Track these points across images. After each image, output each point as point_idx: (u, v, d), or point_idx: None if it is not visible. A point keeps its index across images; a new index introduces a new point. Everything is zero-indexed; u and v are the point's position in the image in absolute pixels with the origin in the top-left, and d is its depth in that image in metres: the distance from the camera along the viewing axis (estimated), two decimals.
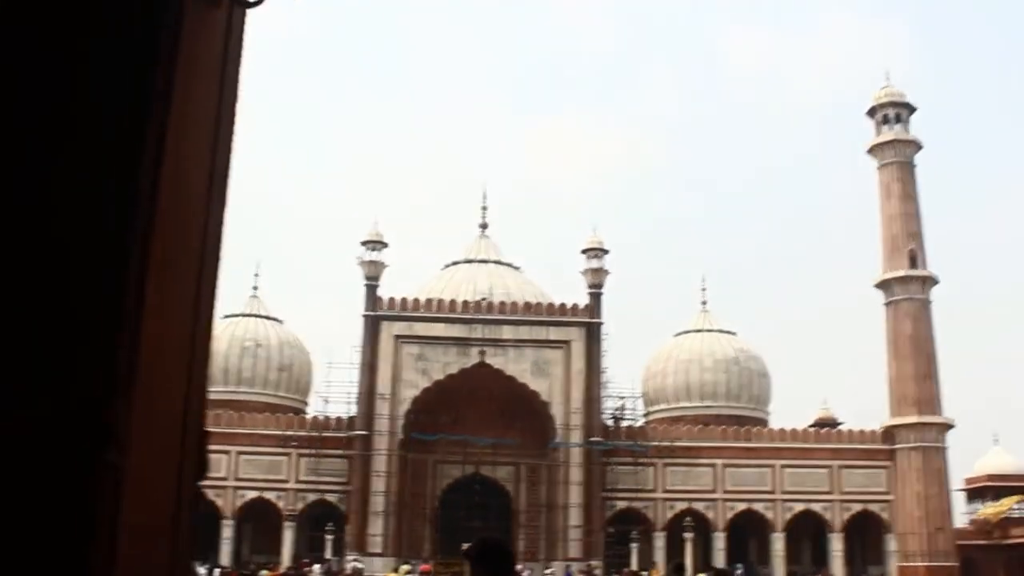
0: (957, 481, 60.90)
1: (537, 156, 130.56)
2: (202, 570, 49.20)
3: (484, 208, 67.71)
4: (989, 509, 63.58)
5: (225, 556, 53.84)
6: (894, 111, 60.09)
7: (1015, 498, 63.38)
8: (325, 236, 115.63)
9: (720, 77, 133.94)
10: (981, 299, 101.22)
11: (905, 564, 54.84)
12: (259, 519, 55.05)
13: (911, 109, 60.46)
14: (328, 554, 50.75)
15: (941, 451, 56.08)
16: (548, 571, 52.06)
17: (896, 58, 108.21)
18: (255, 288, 66.19)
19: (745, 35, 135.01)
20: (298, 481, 55.18)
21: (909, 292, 57.28)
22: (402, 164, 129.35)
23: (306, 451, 55.04)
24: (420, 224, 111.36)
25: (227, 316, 64.09)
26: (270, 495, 54.71)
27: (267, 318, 64.51)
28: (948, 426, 56.20)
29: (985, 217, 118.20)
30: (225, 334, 62.26)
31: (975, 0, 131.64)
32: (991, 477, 66.06)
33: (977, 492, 67.12)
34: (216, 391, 60.65)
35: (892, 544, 55.91)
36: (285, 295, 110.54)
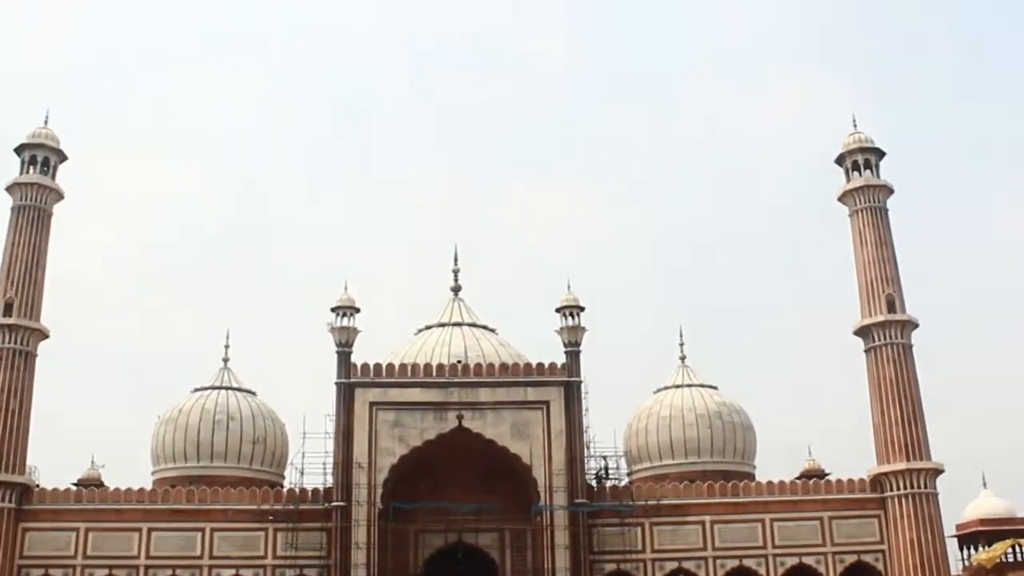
0: (948, 527, 59.77)
1: (507, 216, 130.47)
2: None
3: (456, 271, 67.05)
4: (983, 555, 62.49)
5: None
6: (863, 157, 60.14)
7: (1008, 542, 62.40)
8: (296, 303, 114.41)
9: (684, 134, 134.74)
10: (964, 339, 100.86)
11: None
12: None
13: (880, 154, 60.54)
14: None
15: (932, 497, 55.21)
16: None
17: (859, 106, 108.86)
18: (225, 360, 65.01)
19: (706, 94, 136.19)
20: (276, 556, 53.48)
21: (889, 337, 56.87)
22: (372, 229, 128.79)
23: (283, 525, 53.53)
24: (392, 289, 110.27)
25: (197, 389, 63.01)
26: (247, 572, 53.03)
27: (239, 390, 63.23)
28: (938, 471, 55.39)
29: (964, 256, 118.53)
30: (196, 407, 61.10)
31: (928, 45, 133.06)
32: (983, 522, 65.04)
33: (969, 538, 66.06)
34: (188, 467, 59.64)
35: None
36: (257, 365, 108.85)
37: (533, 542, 55.07)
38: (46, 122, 59.91)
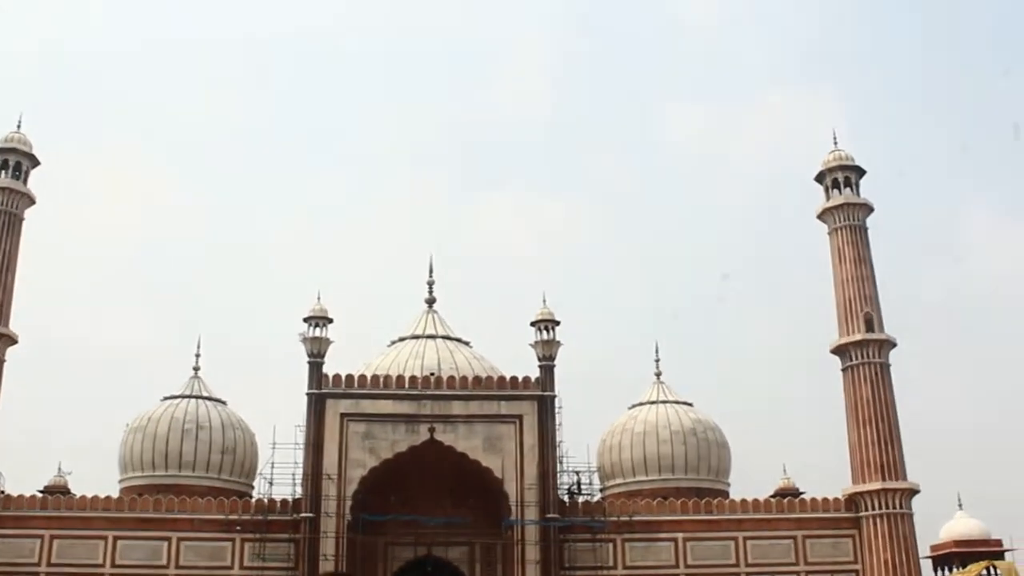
0: (923, 548, 59.45)
1: (483, 229, 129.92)
2: None
3: (431, 283, 66.51)
4: None
5: None
6: (843, 175, 59.90)
7: (983, 564, 61.88)
8: (268, 313, 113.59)
9: (663, 149, 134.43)
10: (942, 359, 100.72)
11: None
12: None
13: (860, 172, 60.29)
14: None
15: (907, 517, 55.02)
16: None
17: (839, 125, 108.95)
18: (196, 369, 64.37)
19: (685, 110, 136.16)
20: (243, 567, 52.89)
21: (866, 356, 56.58)
22: (346, 239, 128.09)
23: (251, 535, 52.95)
24: (365, 301, 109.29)
25: (167, 398, 62.38)
26: None
27: (209, 399, 62.60)
28: (913, 491, 55.18)
29: (943, 275, 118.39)
30: (165, 416, 60.46)
31: (908, 63, 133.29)
32: (957, 543, 64.44)
33: (944, 559, 65.46)
34: (156, 475, 59.00)
35: None
36: (228, 374, 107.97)
37: (504, 556, 54.59)
38: (19, 126, 59.13)
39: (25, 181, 58.03)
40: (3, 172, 57.43)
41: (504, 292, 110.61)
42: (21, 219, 57.47)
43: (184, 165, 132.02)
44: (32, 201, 58.12)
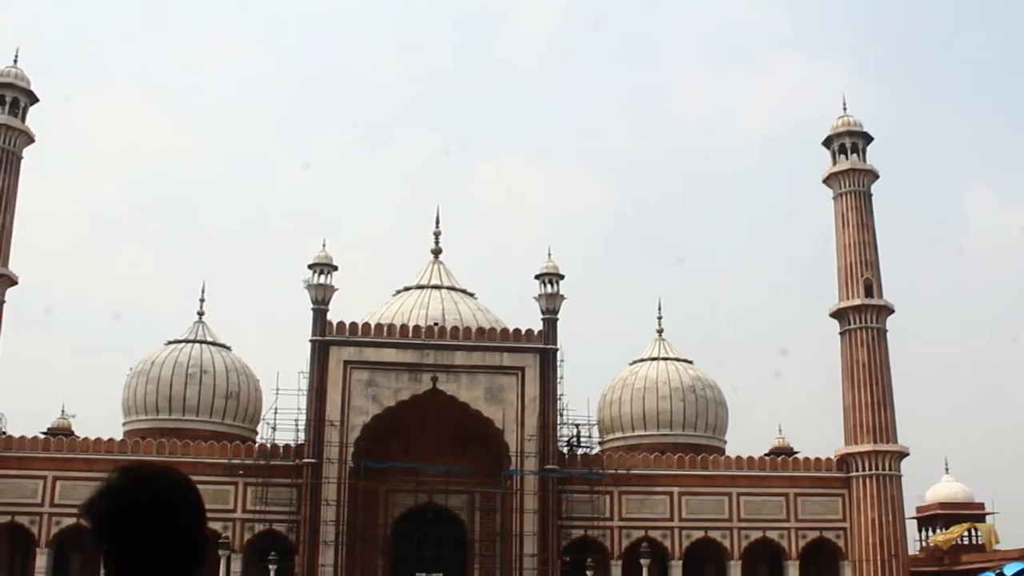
0: (909, 509, 60.79)
1: (491, 182, 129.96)
2: None
3: (437, 234, 66.53)
4: (940, 537, 63.71)
5: None
6: (850, 140, 60.13)
7: (965, 526, 63.56)
8: (275, 258, 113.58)
9: (669, 110, 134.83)
10: (937, 326, 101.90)
11: None
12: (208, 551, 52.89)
13: (868, 138, 60.57)
14: None
15: (896, 479, 56.09)
16: None
17: (849, 91, 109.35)
18: (200, 314, 64.38)
19: (692, 74, 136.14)
20: (245, 511, 53.56)
21: (864, 321, 57.28)
22: (354, 188, 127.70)
23: (253, 480, 53.51)
24: (371, 249, 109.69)
25: (171, 342, 62.37)
26: (216, 525, 52.82)
27: (213, 344, 62.69)
28: (903, 454, 56.20)
29: (943, 243, 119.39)
30: (169, 360, 60.52)
31: (920, 32, 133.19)
32: (942, 505, 66.16)
33: (928, 520, 67.20)
34: (160, 419, 59.21)
35: (847, 571, 55.68)
36: (232, 319, 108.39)
37: (502, 505, 55.34)
38: (15, 61, 57.91)
39: (23, 118, 57.01)
40: (0, 108, 56.62)
41: (509, 246, 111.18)
42: (19, 157, 56.55)
43: (189, 109, 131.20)
44: (31, 139, 57.13)
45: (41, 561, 52.59)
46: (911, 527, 62.91)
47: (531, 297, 56.88)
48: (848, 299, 57.76)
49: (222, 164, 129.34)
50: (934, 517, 66.57)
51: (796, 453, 61.70)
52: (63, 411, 62.33)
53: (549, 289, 56.52)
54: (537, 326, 56.20)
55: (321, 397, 53.64)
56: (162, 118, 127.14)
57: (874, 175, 59.99)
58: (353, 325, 55.23)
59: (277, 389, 54.38)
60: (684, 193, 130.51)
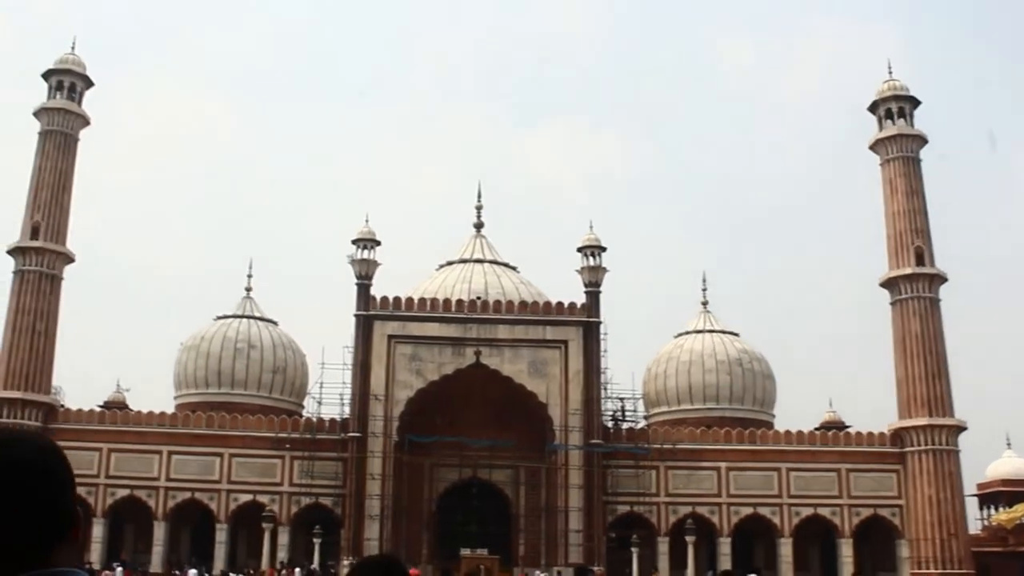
0: (969, 486, 59.07)
1: (532, 155, 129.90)
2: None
3: (479, 207, 66.79)
4: (1003, 515, 61.78)
5: (220, 561, 52.97)
6: (897, 105, 58.73)
7: None
8: (320, 234, 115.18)
9: (713, 79, 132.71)
10: (994, 296, 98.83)
11: (918, 571, 53.24)
12: (254, 523, 53.76)
13: (915, 103, 59.13)
14: (315, 559, 49.28)
15: (953, 454, 54.51)
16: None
17: (895, 56, 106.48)
18: (248, 289, 65.43)
19: (736, 41, 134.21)
20: (292, 484, 54.28)
21: (916, 290, 55.85)
22: (396, 163, 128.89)
23: (300, 453, 54.18)
24: (414, 224, 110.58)
25: (219, 317, 63.52)
26: (263, 498, 53.73)
27: (260, 319, 63.75)
28: (960, 428, 54.64)
29: (997, 211, 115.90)
30: (218, 335, 61.66)
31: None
32: (1004, 482, 64.26)
33: (989, 497, 65.32)
34: (208, 393, 60.34)
35: (904, 550, 54.28)
36: (279, 295, 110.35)
37: (547, 480, 55.24)
38: (73, 48, 59.94)
39: (80, 102, 58.96)
40: (58, 93, 58.36)
41: (552, 219, 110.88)
42: (76, 139, 58.47)
43: (238, 86, 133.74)
44: (87, 122, 59.04)
45: (97, 531, 53.89)
46: (971, 505, 61.33)
47: (574, 270, 56.75)
48: (898, 268, 56.37)
49: (268, 142, 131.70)
50: (996, 494, 64.71)
51: (848, 427, 60.51)
52: (118, 385, 64.09)
53: (592, 262, 56.22)
54: (580, 299, 55.93)
55: (366, 371, 54.07)
56: (212, 98, 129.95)
57: (922, 140, 58.49)
58: (397, 300, 55.59)
59: (323, 363, 55.18)
60: (728, 162, 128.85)
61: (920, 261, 56.14)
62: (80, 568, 2.26)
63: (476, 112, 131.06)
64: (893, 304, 56.77)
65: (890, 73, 60.08)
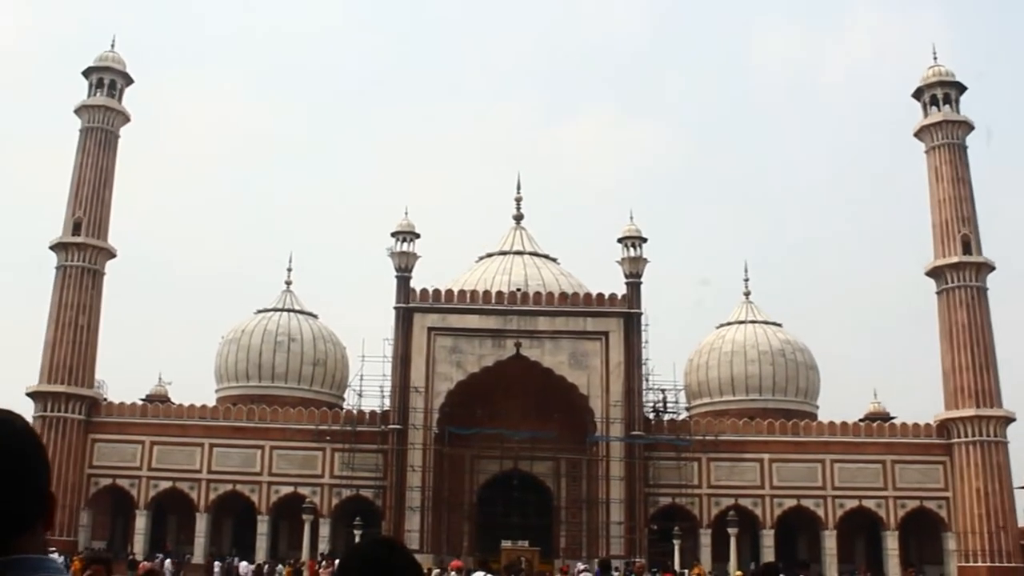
0: (1018, 478, 58.02)
1: (572, 146, 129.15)
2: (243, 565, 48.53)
3: (518, 199, 66.41)
4: None
5: (261, 553, 53.18)
6: (942, 91, 57.80)
7: None
8: (358, 228, 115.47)
9: (753, 68, 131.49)
10: None
11: (965, 564, 52.47)
12: (295, 515, 53.87)
13: (961, 88, 58.13)
14: None
15: (1002, 446, 53.64)
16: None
17: (940, 41, 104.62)
18: (288, 283, 65.58)
19: (776, 28, 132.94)
20: (333, 476, 54.38)
21: (963, 279, 54.97)
22: (434, 156, 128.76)
23: (340, 446, 54.20)
24: (453, 216, 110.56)
25: (260, 311, 63.71)
26: (304, 490, 53.84)
27: (300, 312, 63.88)
28: (1008, 419, 53.72)
29: None
30: (258, 328, 61.86)
31: None
32: None
33: None
34: (249, 386, 60.56)
35: (951, 543, 53.54)
36: (319, 288, 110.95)
37: (588, 472, 54.96)
38: (112, 46, 60.30)
39: (120, 99, 59.31)
40: (98, 91, 58.76)
41: (592, 210, 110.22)
42: (117, 136, 58.88)
43: (276, 81, 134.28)
44: (127, 119, 59.42)
45: (140, 522, 54.39)
46: (1020, 497, 60.14)
47: (614, 261, 56.30)
48: (945, 257, 55.48)
49: (307, 136, 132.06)
50: None
51: (893, 418, 59.78)
52: (160, 379, 64.50)
53: (632, 252, 55.75)
54: (621, 290, 55.49)
55: (406, 364, 53.98)
56: (250, 93, 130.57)
57: (968, 126, 57.47)
58: (436, 292, 55.47)
59: (363, 356, 55.20)
60: (769, 151, 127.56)
61: (967, 249, 55.20)
62: (47, 555, 2.07)
63: (515, 103, 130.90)
64: (939, 293, 55.90)
65: (935, 59, 59.23)
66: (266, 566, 49.42)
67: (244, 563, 48.77)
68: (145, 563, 45.14)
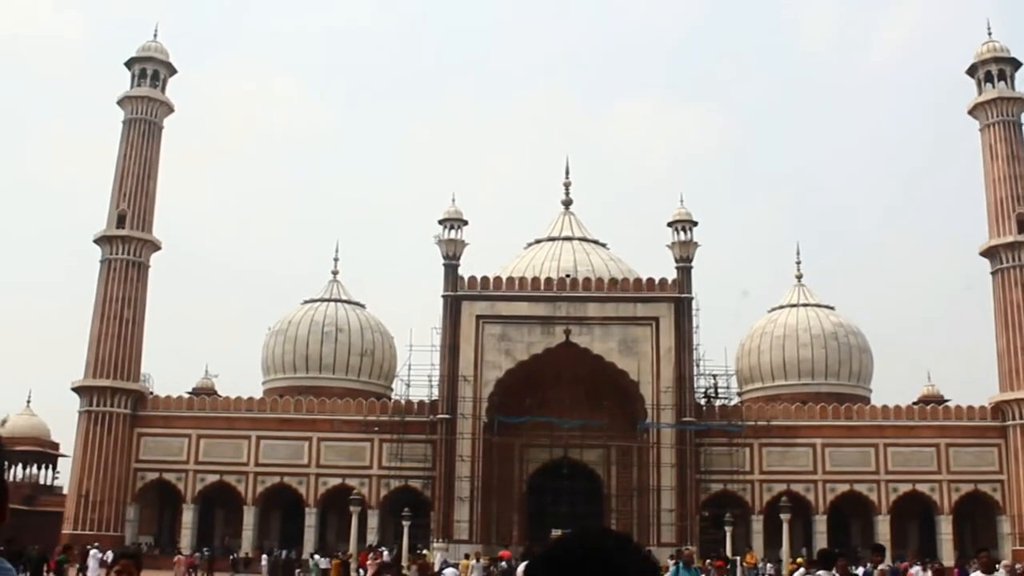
0: None
1: (620, 131, 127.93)
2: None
3: (567, 184, 65.54)
4: None
5: (309, 544, 52.87)
6: (997, 67, 56.82)
7: None
8: (405, 216, 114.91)
9: (800, 49, 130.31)
10: None
11: (1021, 548, 51.68)
12: (344, 506, 53.44)
13: (1016, 64, 57.16)
14: (405, 541, 48.63)
15: None
16: None
17: (994, 15, 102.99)
18: (335, 273, 65.09)
19: (822, 7, 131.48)
20: (381, 467, 54.00)
21: (1018, 259, 54.18)
22: (482, 142, 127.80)
23: (388, 436, 53.77)
24: (501, 203, 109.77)
25: (307, 301, 63.30)
26: (352, 481, 53.48)
27: (348, 302, 63.41)
28: None
29: None
30: (305, 319, 61.46)
31: None
32: None
33: None
34: (296, 377, 60.25)
35: (1005, 527, 52.79)
36: (366, 277, 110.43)
37: (639, 460, 54.39)
38: (155, 36, 59.67)
39: (163, 90, 58.79)
40: (141, 81, 58.23)
41: (641, 195, 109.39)
42: (160, 127, 58.36)
43: (320, 70, 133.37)
44: (171, 109, 58.92)
45: (187, 516, 54.19)
46: None
47: (664, 245, 55.61)
48: (999, 236, 54.63)
49: (352, 124, 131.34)
50: None
51: (947, 401, 59.04)
52: (206, 371, 64.18)
53: (682, 236, 55.03)
54: (671, 275, 54.82)
55: (454, 352, 53.47)
56: (294, 82, 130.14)
57: None
58: (484, 279, 54.91)
59: (411, 345, 54.64)
60: (819, 131, 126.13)
61: (1022, 229, 54.31)
62: None
63: (562, 88, 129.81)
64: (994, 274, 55.08)
65: (989, 34, 58.22)
66: (283, 554, 49.48)
67: (318, 556, 47.14)
68: (180, 557, 44.88)
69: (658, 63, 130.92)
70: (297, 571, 48.39)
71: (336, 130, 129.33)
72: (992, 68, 56.88)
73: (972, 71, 57.80)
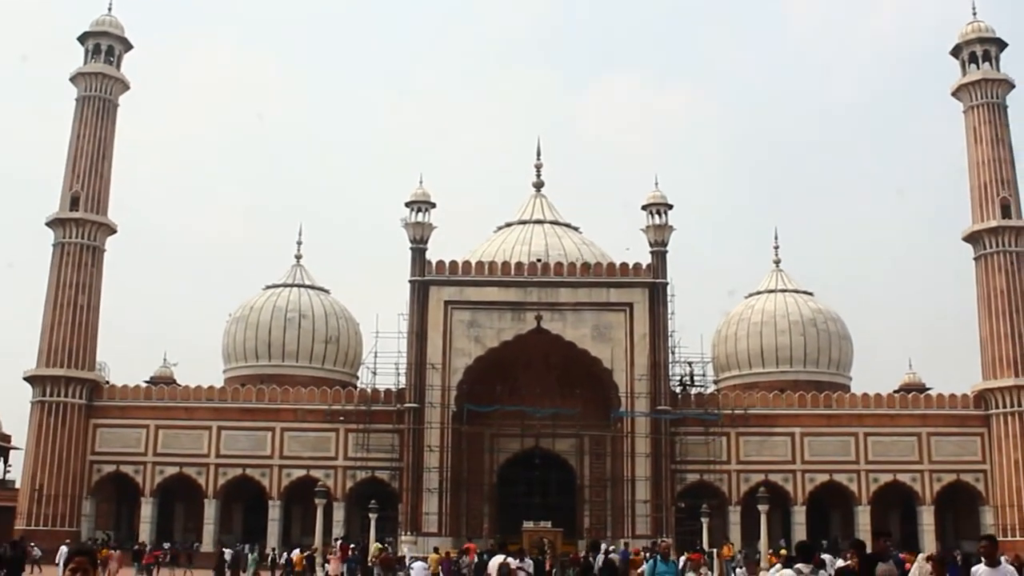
0: None
1: (594, 112, 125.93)
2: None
3: (538, 166, 63.95)
4: None
5: (273, 538, 51.17)
6: (981, 48, 55.58)
7: None
8: (371, 198, 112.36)
9: (781, 29, 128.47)
10: None
11: (1004, 539, 50.43)
12: (308, 499, 51.70)
13: (1001, 45, 55.95)
14: (372, 534, 46.83)
15: None
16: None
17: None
18: (298, 257, 63.22)
19: None
20: (347, 458, 52.45)
21: (1002, 244, 53.07)
22: (451, 123, 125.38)
23: (354, 426, 52.19)
24: (470, 185, 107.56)
25: (269, 286, 61.52)
26: (317, 472, 51.80)
27: (311, 287, 61.63)
28: None
29: None
30: (267, 305, 59.73)
31: None
32: None
33: None
34: (258, 365, 58.60)
35: (988, 517, 51.92)
36: (330, 262, 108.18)
37: (613, 449, 53.05)
38: (110, 9, 57.40)
39: (118, 66, 56.55)
40: (95, 57, 55.97)
41: (615, 177, 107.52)
42: (115, 105, 56.19)
43: (282, 46, 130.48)
44: (126, 86, 56.76)
45: (146, 510, 52.42)
46: None
47: (639, 229, 54.02)
48: (983, 221, 53.50)
49: (317, 103, 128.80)
50: None
51: (928, 389, 58.14)
52: (165, 360, 62.34)
53: (657, 220, 53.48)
54: (645, 259, 53.26)
55: (422, 339, 51.85)
56: (256, 58, 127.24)
57: (1009, 85, 55.40)
58: (453, 264, 53.30)
59: (377, 332, 53.15)
60: (800, 114, 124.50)
61: (1006, 213, 53.24)
62: None
63: (534, 68, 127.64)
64: (977, 259, 53.94)
65: (974, 14, 56.97)
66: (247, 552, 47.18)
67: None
68: (112, 552, 42.45)
69: (634, 44, 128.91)
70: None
71: (300, 109, 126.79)
72: (976, 49, 55.60)
73: (956, 52, 56.55)
